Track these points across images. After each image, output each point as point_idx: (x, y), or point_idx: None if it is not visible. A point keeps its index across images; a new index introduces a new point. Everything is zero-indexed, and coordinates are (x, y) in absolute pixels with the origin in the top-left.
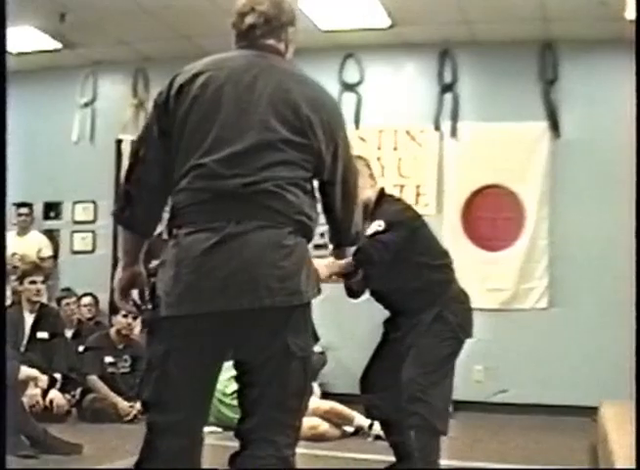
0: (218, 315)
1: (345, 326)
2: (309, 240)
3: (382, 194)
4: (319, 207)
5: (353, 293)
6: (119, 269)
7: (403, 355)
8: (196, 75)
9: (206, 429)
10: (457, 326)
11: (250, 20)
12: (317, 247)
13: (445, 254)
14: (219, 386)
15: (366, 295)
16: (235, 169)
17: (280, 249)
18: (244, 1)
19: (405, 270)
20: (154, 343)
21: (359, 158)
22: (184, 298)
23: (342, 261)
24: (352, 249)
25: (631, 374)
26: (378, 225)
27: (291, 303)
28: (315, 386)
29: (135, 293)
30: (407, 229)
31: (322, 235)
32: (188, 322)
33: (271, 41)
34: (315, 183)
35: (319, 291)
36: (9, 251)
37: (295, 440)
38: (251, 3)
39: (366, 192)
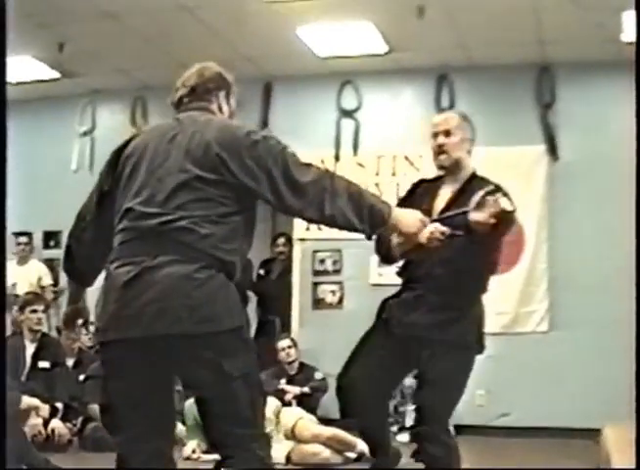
0: (143, 341)
1: (347, 353)
2: (228, 273)
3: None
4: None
5: (390, 259)
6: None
7: (419, 361)
8: (130, 140)
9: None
10: (483, 337)
11: (179, 93)
12: (316, 273)
13: None
14: None
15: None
16: (155, 209)
17: (191, 281)
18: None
19: (480, 252)
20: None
21: (465, 118)
22: (109, 325)
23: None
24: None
25: (631, 393)
26: (508, 203)
27: (199, 330)
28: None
29: (79, 322)
30: None
31: (322, 261)
32: (116, 348)
33: (200, 103)
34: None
35: (244, 319)
36: (9, 280)
37: (265, 443)
38: (181, 81)
39: (459, 152)
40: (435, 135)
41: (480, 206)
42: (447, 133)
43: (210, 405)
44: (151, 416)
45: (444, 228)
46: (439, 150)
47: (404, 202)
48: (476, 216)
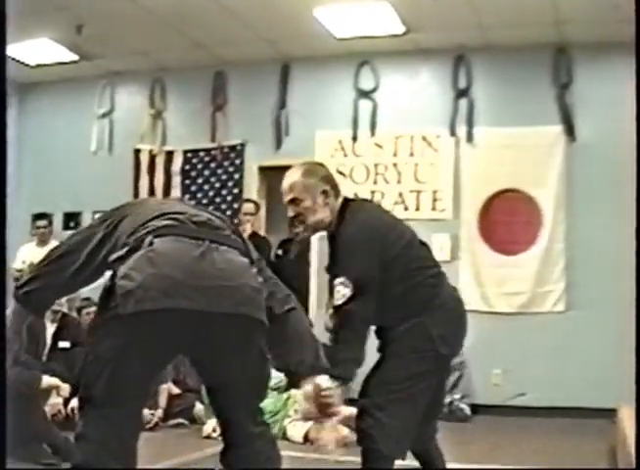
0: (199, 315)
1: (370, 334)
2: None
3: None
4: None
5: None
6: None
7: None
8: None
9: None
10: (438, 338)
11: None
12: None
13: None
14: None
15: None
16: (204, 214)
17: (251, 269)
18: None
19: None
20: (110, 338)
21: (307, 174)
22: (168, 293)
23: None
24: None
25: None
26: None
27: (258, 315)
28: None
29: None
30: None
31: None
32: (161, 317)
33: None
34: None
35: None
36: (29, 261)
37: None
38: None
39: (315, 216)
40: (287, 206)
41: None
42: (295, 201)
43: (241, 388)
44: (147, 393)
45: None
46: (294, 221)
47: None
48: None
